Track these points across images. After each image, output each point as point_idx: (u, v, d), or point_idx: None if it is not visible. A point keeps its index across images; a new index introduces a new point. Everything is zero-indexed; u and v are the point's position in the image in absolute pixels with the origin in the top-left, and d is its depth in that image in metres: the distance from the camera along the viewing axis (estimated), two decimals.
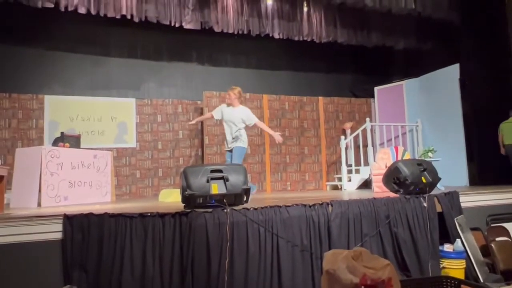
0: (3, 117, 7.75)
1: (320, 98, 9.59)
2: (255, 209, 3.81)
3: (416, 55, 9.39)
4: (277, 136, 6.26)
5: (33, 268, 3.49)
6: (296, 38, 8.47)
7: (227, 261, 3.52)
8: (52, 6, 6.62)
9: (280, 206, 3.94)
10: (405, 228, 4.41)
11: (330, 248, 3.98)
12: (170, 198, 6.04)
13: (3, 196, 4.79)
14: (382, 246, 4.26)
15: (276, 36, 8.25)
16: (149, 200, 6.97)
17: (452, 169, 7.64)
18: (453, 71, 8.12)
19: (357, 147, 8.71)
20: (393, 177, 4.80)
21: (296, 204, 4.04)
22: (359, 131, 8.40)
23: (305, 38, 8.52)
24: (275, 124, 9.10)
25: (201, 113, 8.94)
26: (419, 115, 8.83)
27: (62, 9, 6.72)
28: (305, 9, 8.42)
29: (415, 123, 8.76)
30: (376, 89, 9.54)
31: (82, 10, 6.83)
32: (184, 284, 3.43)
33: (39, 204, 5.71)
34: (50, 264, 3.52)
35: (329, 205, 4.16)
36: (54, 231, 3.57)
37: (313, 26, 8.50)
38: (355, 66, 10.43)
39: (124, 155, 8.49)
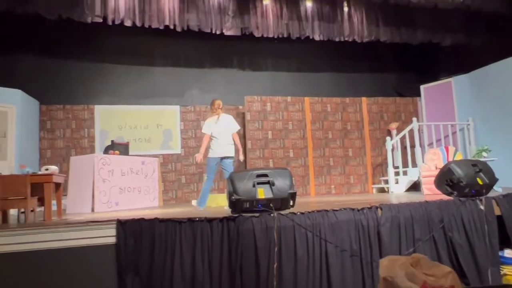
0: (58, 127, 8.21)
1: (364, 98, 9.38)
2: (302, 213, 3.77)
3: (464, 50, 8.95)
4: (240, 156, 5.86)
5: (89, 271, 3.65)
6: (337, 39, 8.34)
7: (275, 266, 3.50)
8: (101, 20, 6.93)
9: (327, 210, 3.87)
10: (461, 233, 4.19)
11: (380, 254, 3.86)
12: (216, 203, 6.12)
13: (61, 202, 5.06)
14: (436, 251, 4.06)
15: (317, 38, 8.16)
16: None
17: (510, 169, 7.17)
18: (509, 65, 7.65)
19: (404, 148, 8.41)
20: (446, 179, 4.58)
21: (344, 208, 3.95)
22: (405, 131, 8.12)
23: (346, 39, 8.36)
24: (317, 127, 8.99)
25: (243, 118, 9.01)
26: (470, 113, 8.39)
27: (110, 23, 7.02)
28: (346, 9, 8.27)
29: (466, 122, 8.33)
30: (422, 87, 9.18)
31: (128, 23, 7.09)
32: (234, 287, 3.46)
33: (92, 210, 5.98)
34: (104, 267, 3.66)
35: (379, 209, 4.04)
36: (108, 236, 3.71)
37: (354, 26, 8.33)
38: (399, 64, 10.11)
39: (170, 161, 8.71)
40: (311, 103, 9.07)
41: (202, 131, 5.79)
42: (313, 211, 3.82)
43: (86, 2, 6.67)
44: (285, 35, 8.01)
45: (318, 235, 3.72)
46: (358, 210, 3.96)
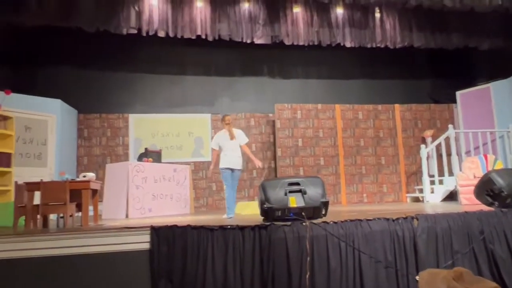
0: (94, 136, 8.50)
1: (397, 105, 9.17)
2: (335, 222, 3.71)
3: (503, 54, 8.60)
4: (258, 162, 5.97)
5: (124, 276, 3.73)
6: (369, 45, 8.22)
7: (307, 276, 3.45)
8: (136, 32, 7.15)
9: (361, 220, 3.79)
10: (503, 245, 3.99)
11: (417, 266, 3.74)
12: (247, 211, 6.12)
13: (97, 208, 5.22)
14: (476, 265, 3.89)
15: (348, 44, 8.08)
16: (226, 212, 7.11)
17: None
18: None
19: (439, 156, 8.14)
20: (486, 188, 4.40)
21: (378, 218, 3.86)
22: (441, 139, 7.87)
23: (378, 45, 8.23)
24: (348, 134, 8.87)
25: (273, 125, 9.01)
26: (510, 119, 8.03)
27: (144, 34, 7.22)
28: (378, 15, 8.15)
29: (506, 129, 7.97)
30: (458, 93, 8.88)
31: (161, 34, 7.28)
32: None
33: (126, 215, 6.13)
34: (138, 273, 3.74)
35: (414, 219, 3.92)
36: (142, 242, 3.79)
37: (386, 31, 8.20)
38: (433, 70, 9.85)
39: (201, 168, 8.82)
40: (342, 110, 8.96)
41: (211, 146, 6.10)
42: (346, 221, 3.76)
43: (122, 14, 6.91)
44: (316, 43, 7.98)
45: (351, 245, 3.65)
46: (393, 220, 3.86)
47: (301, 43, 7.88)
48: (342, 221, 3.74)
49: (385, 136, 9.02)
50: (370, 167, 8.84)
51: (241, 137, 6.03)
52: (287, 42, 7.85)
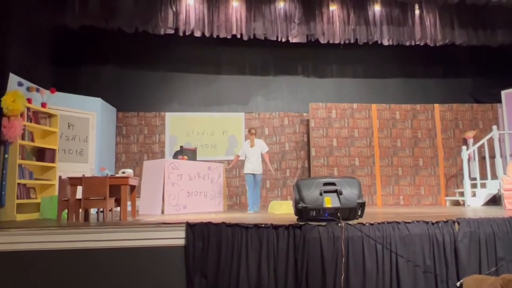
0: (132, 133, 8.75)
1: (436, 105, 8.86)
2: (371, 224, 3.64)
3: None
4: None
5: (160, 271, 3.82)
6: (408, 43, 7.99)
7: (342, 278, 3.40)
8: (173, 32, 7.30)
9: (398, 222, 3.69)
10: None
11: (458, 271, 3.60)
12: (280, 210, 6.11)
13: (135, 203, 5.37)
14: None
15: (386, 42, 7.88)
16: (259, 211, 7.14)
17: None
18: None
19: (482, 158, 7.79)
20: None
21: (417, 221, 3.74)
22: (484, 140, 7.53)
23: (417, 43, 7.98)
24: (385, 135, 8.66)
25: (307, 125, 8.94)
26: None
27: (181, 34, 7.36)
28: (417, 12, 7.91)
29: None
30: (503, 93, 8.46)
31: (197, 34, 7.39)
32: None
33: (162, 212, 6.27)
34: (174, 267, 3.82)
35: (455, 223, 3.77)
36: (178, 238, 3.86)
37: (426, 29, 7.93)
38: (476, 68, 9.42)
39: (234, 167, 8.86)
40: (378, 110, 8.76)
41: (237, 153, 7.40)
42: (383, 222, 3.67)
43: (160, 15, 7.07)
44: (352, 41, 7.84)
45: (388, 247, 3.56)
46: (433, 224, 3.73)
47: (337, 42, 7.78)
48: (378, 223, 3.66)
49: (423, 137, 8.74)
50: (407, 168, 8.59)
51: (262, 146, 7.10)
52: (322, 40, 7.77)
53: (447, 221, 3.75)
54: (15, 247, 3.69)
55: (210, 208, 7.04)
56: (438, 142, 8.72)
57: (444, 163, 8.64)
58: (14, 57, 5.63)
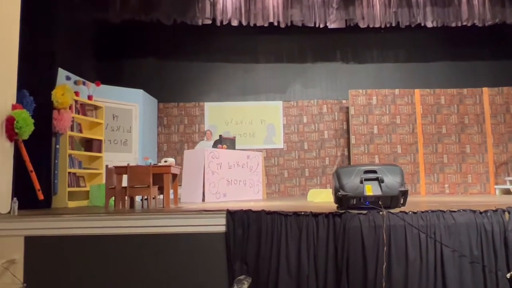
0: (173, 123, 8.97)
1: (485, 89, 8.39)
2: (415, 213, 3.54)
3: None
4: None
5: (202, 256, 3.92)
6: (453, 24, 7.60)
7: (384, 266, 3.35)
8: (210, 22, 7.37)
9: (443, 211, 3.57)
10: None
11: (508, 263, 3.44)
12: (319, 198, 6.07)
13: (177, 191, 5.53)
14: None
15: (429, 25, 7.54)
16: (298, 199, 7.14)
17: None
18: None
19: None
20: None
21: (463, 210, 3.60)
22: None
23: (464, 23, 7.57)
24: (429, 121, 8.33)
25: (347, 112, 8.77)
26: None
27: (218, 24, 7.41)
28: None
29: None
30: None
31: (234, 23, 7.41)
32: (340, 285, 3.40)
33: (203, 199, 6.41)
34: (215, 254, 3.91)
35: (506, 212, 3.59)
36: (218, 225, 3.95)
37: (474, 8, 7.50)
38: None
39: (273, 155, 8.90)
40: (422, 95, 8.43)
41: None
42: (426, 211, 3.56)
43: (198, 6, 7.15)
44: (393, 24, 7.57)
45: (432, 237, 3.46)
46: (481, 213, 3.58)
47: (377, 26, 7.54)
48: (422, 212, 3.55)
49: (470, 123, 8.33)
50: (452, 155, 8.24)
51: None
52: (362, 25, 7.56)
53: (496, 210, 3.58)
54: (68, 232, 3.93)
55: (250, 196, 7.11)
56: (487, 128, 8.28)
57: (493, 150, 8.21)
58: (62, 52, 5.91)
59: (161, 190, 5.15)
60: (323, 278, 3.47)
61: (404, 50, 9.14)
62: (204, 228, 3.96)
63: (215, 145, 7.10)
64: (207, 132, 7.83)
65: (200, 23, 7.38)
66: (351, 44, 9.12)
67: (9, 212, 4.16)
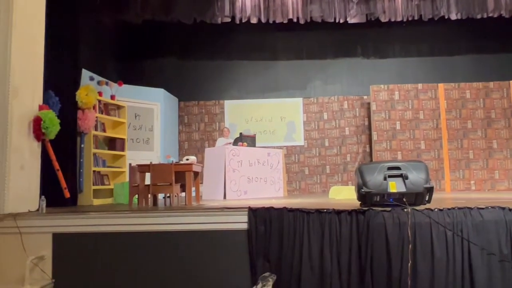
0: (193, 122, 9.05)
1: None
2: (440, 210, 3.46)
3: None
4: None
5: (223, 252, 3.94)
6: (479, 16, 7.38)
7: (409, 264, 3.28)
8: (229, 20, 7.38)
9: (470, 208, 3.47)
10: None
11: None
12: (341, 195, 6.01)
13: (199, 189, 5.58)
14: None
15: (453, 17, 7.35)
16: (319, 196, 7.09)
17: None
18: None
19: None
20: None
21: (492, 207, 3.49)
22: None
23: (490, 15, 7.34)
24: (454, 116, 8.13)
25: (368, 108, 8.65)
26: None
27: (237, 22, 7.42)
28: None
29: None
30: None
31: (254, 20, 7.40)
32: (364, 284, 3.36)
33: (224, 197, 6.45)
34: (238, 251, 3.92)
35: None
36: (240, 222, 3.96)
37: None
38: None
39: (293, 152, 8.86)
40: (446, 89, 8.23)
41: None
42: (453, 208, 3.48)
43: (217, 4, 7.17)
44: (416, 17, 7.42)
45: (459, 234, 3.37)
46: (510, 210, 3.46)
47: (399, 19, 7.41)
48: (448, 209, 3.47)
49: (497, 117, 8.08)
50: (479, 151, 8.02)
51: None
52: (383, 19, 7.44)
53: None
54: (93, 229, 4.01)
55: (270, 194, 7.10)
56: None
57: None
58: (85, 53, 6.04)
59: (183, 188, 5.20)
60: (346, 276, 3.44)
61: (427, 44, 8.93)
62: (226, 225, 3.97)
63: (235, 143, 7.12)
64: (224, 129, 7.95)
65: (219, 22, 7.41)
66: (372, 39, 8.97)
67: (38, 210, 4.27)
